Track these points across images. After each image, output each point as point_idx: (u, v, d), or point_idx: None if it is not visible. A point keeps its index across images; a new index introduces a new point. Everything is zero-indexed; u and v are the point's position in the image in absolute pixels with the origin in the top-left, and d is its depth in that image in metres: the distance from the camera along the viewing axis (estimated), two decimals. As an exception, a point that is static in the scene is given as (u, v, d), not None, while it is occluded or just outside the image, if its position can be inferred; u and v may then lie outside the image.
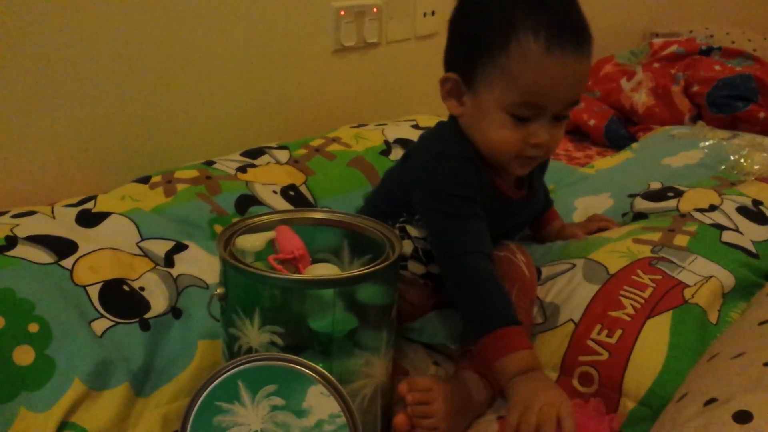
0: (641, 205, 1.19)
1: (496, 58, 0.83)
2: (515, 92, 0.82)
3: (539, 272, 0.99)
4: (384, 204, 1.01)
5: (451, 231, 0.86)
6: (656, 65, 2.04)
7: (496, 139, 0.86)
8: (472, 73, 0.86)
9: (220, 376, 0.69)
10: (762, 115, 1.79)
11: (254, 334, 0.72)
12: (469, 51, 0.86)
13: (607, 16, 2.28)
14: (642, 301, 0.89)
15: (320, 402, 0.68)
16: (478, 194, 0.88)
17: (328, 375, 0.68)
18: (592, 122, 1.95)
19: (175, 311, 0.89)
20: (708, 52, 2.05)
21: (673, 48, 2.06)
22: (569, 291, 0.93)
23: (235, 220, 0.88)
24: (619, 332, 0.86)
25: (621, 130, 1.92)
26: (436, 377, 0.84)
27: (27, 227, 0.94)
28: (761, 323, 0.73)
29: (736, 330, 0.79)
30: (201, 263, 0.97)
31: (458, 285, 0.84)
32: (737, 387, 0.60)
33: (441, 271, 0.92)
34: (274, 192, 1.18)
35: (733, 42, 2.31)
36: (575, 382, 0.85)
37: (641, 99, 1.95)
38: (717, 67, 1.90)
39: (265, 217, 0.83)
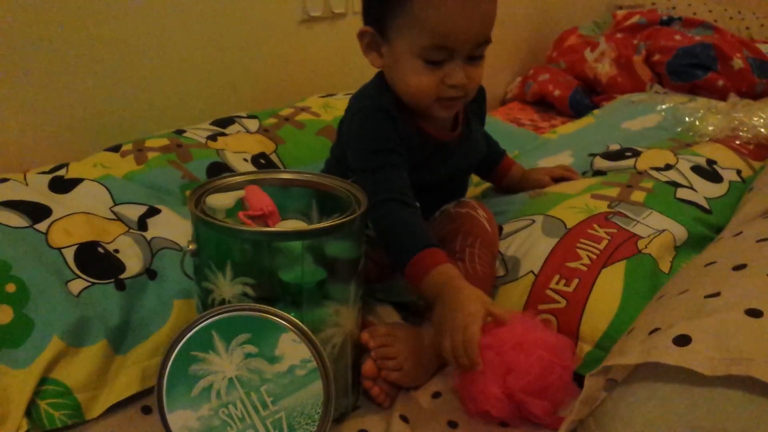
0: (600, 164, 1.23)
1: (403, 6, 0.86)
2: (424, 37, 0.85)
3: (500, 229, 1.03)
4: (340, 164, 1.03)
5: (369, 184, 0.88)
6: (619, 35, 2.08)
7: (413, 85, 0.90)
8: (384, 24, 0.89)
9: (194, 327, 0.71)
10: (720, 83, 1.84)
11: (227, 286, 0.74)
12: (379, 2, 0.89)
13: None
14: (597, 252, 0.93)
15: (291, 348, 0.71)
16: (396, 145, 0.91)
17: (299, 323, 0.71)
18: (557, 92, 1.99)
19: (149, 272, 0.91)
20: (669, 22, 2.10)
21: (635, 19, 2.10)
22: (529, 245, 0.97)
23: (205, 180, 0.90)
24: (576, 281, 0.90)
25: (585, 100, 1.96)
26: (394, 323, 0.88)
27: (0, 193, 0.95)
28: (706, 265, 0.77)
29: (682, 273, 0.84)
30: (174, 227, 0.99)
31: (378, 231, 0.88)
32: (678, 317, 0.65)
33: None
34: (245, 160, 1.20)
35: (695, 13, 2.36)
36: (536, 329, 0.90)
37: (604, 69, 1.99)
38: (677, 37, 1.94)
39: (234, 177, 0.85)
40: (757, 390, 0.56)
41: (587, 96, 2.00)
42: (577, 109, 1.95)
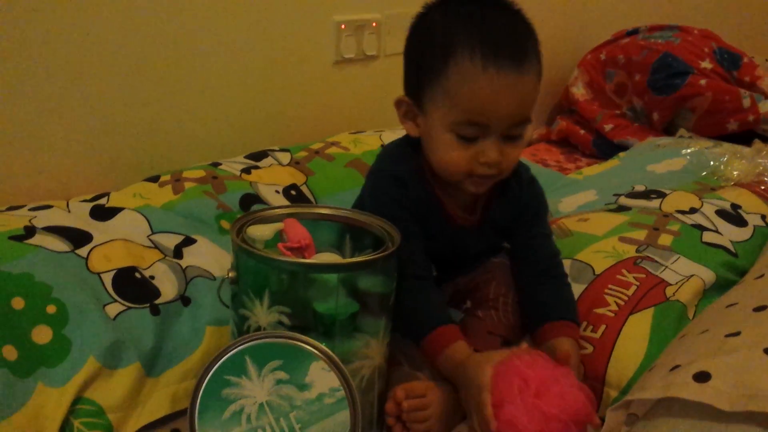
0: (625, 202, 1.24)
1: (438, 79, 0.84)
2: (456, 111, 0.84)
3: None
4: None
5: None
6: (588, 57, 2.11)
7: (445, 159, 0.88)
8: (421, 95, 0.87)
9: (229, 352, 0.74)
10: (703, 81, 1.83)
11: (263, 313, 0.77)
12: (417, 74, 0.88)
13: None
14: (626, 298, 0.94)
15: (321, 376, 0.73)
16: (405, 213, 0.90)
17: (329, 351, 0.73)
18: (582, 132, 2.01)
19: (183, 299, 0.94)
20: (634, 32, 2.10)
21: None
22: (558, 291, 0.98)
23: (246, 212, 0.92)
24: (602, 327, 0.91)
25: (608, 141, 1.98)
26: (430, 383, 0.87)
27: (44, 219, 0.99)
28: (728, 306, 0.78)
29: (705, 314, 0.85)
30: (208, 256, 1.02)
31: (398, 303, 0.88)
32: (698, 354, 0.66)
33: None
34: (277, 192, 1.23)
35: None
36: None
37: (579, 91, 2.03)
38: (642, 46, 1.96)
39: (274, 210, 0.89)
40: (774, 426, 0.57)
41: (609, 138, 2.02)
42: (602, 150, 1.96)
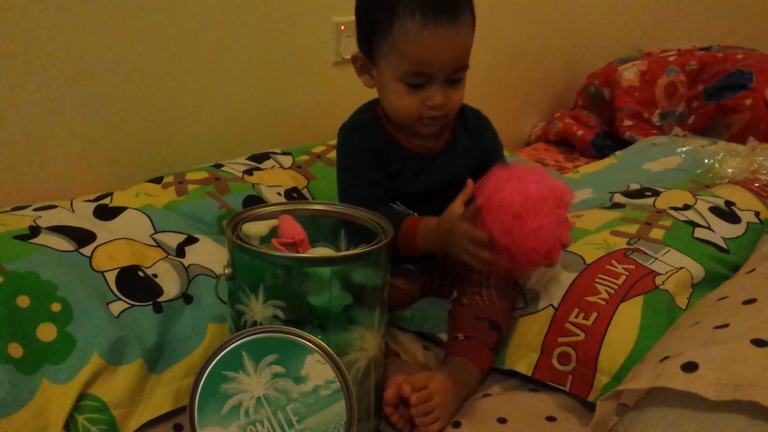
0: (620, 200, 1.26)
1: (385, 37, 0.94)
2: (404, 64, 0.94)
3: None
4: None
5: (349, 200, 0.97)
6: (659, 53, 2.11)
7: (397, 106, 0.98)
8: (372, 50, 0.98)
9: (226, 348, 0.76)
10: (749, 101, 1.80)
11: (259, 308, 0.79)
12: (366, 31, 0.98)
13: (600, 32, 2.37)
14: (616, 287, 0.96)
15: (317, 369, 0.75)
16: (368, 159, 1.01)
17: (323, 344, 0.75)
18: (579, 132, 2.02)
19: (186, 297, 0.96)
20: (707, 49, 2.10)
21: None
22: (548, 279, 1.00)
23: (242, 209, 0.95)
24: (594, 315, 0.93)
25: (607, 141, 1.98)
26: (430, 372, 0.91)
27: (49, 219, 1.01)
28: (719, 299, 0.80)
29: (696, 307, 0.86)
30: (210, 255, 1.04)
31: None
32: (687, 346, 0.67)
33: None
34: (279, 194, 1.25)
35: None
36: (554, 362, 0.92)
37: (629, 76, 2.02)
38: (720, 59, 1.95)
39: (269, 207, 0.91)
40: (761, 415, 0.58)
41: (609, 138, 2.02)
42: (599, 150, 1.97)
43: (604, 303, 0.93)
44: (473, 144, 1.07)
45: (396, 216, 0.95)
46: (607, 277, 0.97)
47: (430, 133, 1.02)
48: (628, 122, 1.97)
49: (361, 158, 1.02)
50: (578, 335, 0.92)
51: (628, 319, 0.91)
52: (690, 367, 0.63)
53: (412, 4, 0.92)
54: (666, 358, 0.68)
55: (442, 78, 0.95)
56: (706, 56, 2.01)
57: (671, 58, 2.06)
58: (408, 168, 1.03)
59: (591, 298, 0.94)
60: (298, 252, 0.83)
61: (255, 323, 0.79)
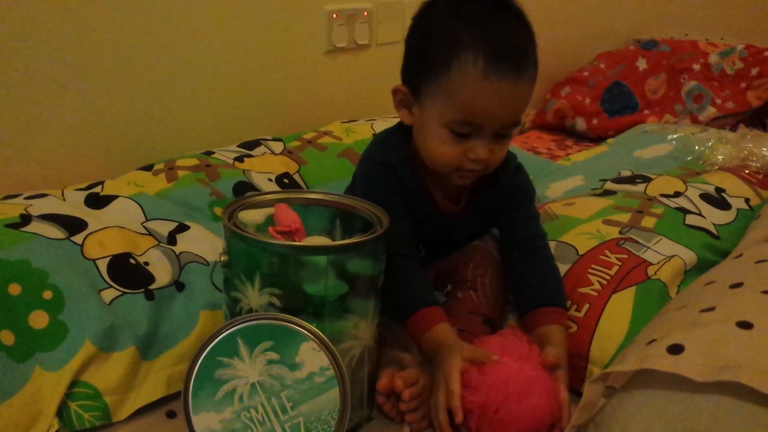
0: (611, 187, 1.26)
1: (438, 77, 0.86)
2: (454, 110, 0.86)
3: None
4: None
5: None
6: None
7: (436, 152, 0.90)
8: (418, 87, 0.90)
9: (221, 334, 0.76)
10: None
11: (255, 296, 0.79)
12: (417, 66, 0.90)
13: (590, 21, 2.37)
14: (608, 277, 0.96)
15: (311, 356, 0.75)
16: (396, 198, 0.94)
17: (318, 332, 0.75)
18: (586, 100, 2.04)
19: (178, 284, 0.96)
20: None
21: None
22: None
23: (238, 197, 0.94)
24: (586, 306, 0.93)
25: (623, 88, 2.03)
26: (420, 369, 0.89)
27: (40, 207, 1.01)
28: (706, 284, 0.81)
29: (684, 292, 0.87)
30: (202, 242, 1.04)
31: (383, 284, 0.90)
32: (674, 329, 0.68)
33: None
34: (270, 180, 1.25)
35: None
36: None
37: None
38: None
39: (265, 195, 0.90)
40: (746, 396, 0.59)
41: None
42: (610, 112, 1.99)
43: (596, 294, 0.94)
44: (498, 200, 1.00)
45: (419, 295, 0.91)
46: (600, 268, 0.98)
47: (463, 185, 0.96)
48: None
49: (391, 197, 0.93)
50: (570, 327, 0.92)
51: (619, 310, 0.92)
52: (676, 349, 0.64)
53: (476, 48, 0.83)
54: (653, 341, 0.69)
55: (492, 132, 0.87)
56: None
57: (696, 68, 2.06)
58: (430, 222, 0.99)
59: (583, 290, 0.95)
60: (293, 240, 0.83)
61: (251, 310, 0.79)
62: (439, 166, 0.92)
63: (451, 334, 0.87)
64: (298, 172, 1.30)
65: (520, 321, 0.97)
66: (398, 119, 0.96)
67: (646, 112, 2.03)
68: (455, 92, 0.85)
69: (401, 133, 0.97)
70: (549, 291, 0.95)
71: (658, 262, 1.00)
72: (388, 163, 0.95)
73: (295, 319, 0.76)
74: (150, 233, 1.03)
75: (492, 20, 0.85)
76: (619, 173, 1.33)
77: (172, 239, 1.03)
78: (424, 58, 0.88)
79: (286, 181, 1.26)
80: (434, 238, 1.02)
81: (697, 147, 1.35)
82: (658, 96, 2.05)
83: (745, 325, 0.64)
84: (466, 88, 0.84)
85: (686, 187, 1.21)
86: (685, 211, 1.13)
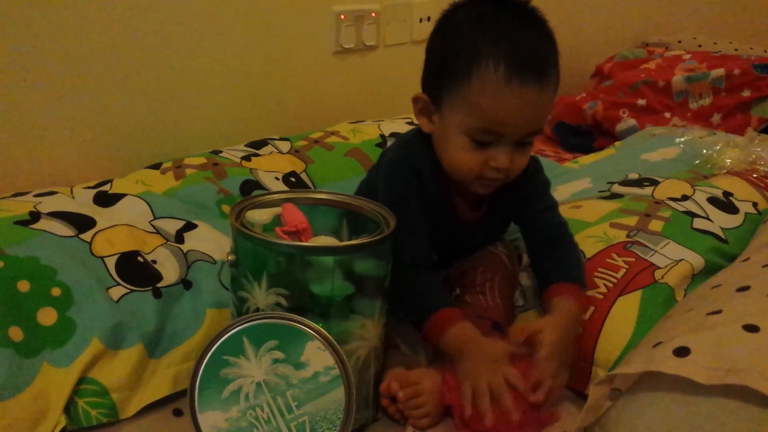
0: (618, 190, 1.26)
1: (459, 85, 0.85)
2: (475, 118, 0.85)
3: (520, 258, 1.07)
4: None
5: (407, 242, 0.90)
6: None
7: (457, 160, 0.90)
8: (439, 95, 0.89)
9: (227, 333, 0.76)
10: None
11: (261, 295, 0.79)
12: (437, 74, 0.89)
13: (598, 24, 2.37)
14: (615, 280, 0.96)
15: (317, 355, 0.75)
16: (416, 204, 0.93)
17: (323, 331, 0.75)
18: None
19: (185, 283, 0.96)
20: None
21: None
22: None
23: (245, 197, 0.95)
24: (591, 309, 0.93)
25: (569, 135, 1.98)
26: (424, 369, 0.89)
27: (49, 205, 1.02)
28: (713, 287, 0.80)
29: (691, 295, 0.87)
30: (209, 241, 1.04)
31: (398, 293, 0.90)
32: (680, 331, 0.68)
33: None
34: (276, 179, 1.26)
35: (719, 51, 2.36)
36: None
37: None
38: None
39: (272, 195, 0.91)
40: (752, 399, 0.59)
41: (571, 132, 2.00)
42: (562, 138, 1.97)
43: (601, 297, 0.94)
44: (515, 202, 1.00)
45: (437, 297, 0.91)
46: (606, 271, 0.97)
47: (484, 193, 0.95)
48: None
49: (413, 201, 0.93)
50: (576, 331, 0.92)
51: (625, 313, 0.92)
52: (682, 351, 0.64)
53: (497, 55, 0.82)
54: (659, 343, 0.69)
55: (513, 140, 0.86)
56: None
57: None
58: (448, 228, 0.98)
59: (589, 293, 0.95)
60: (300, 241, 0.83)
61: (257, 310, 0.79)
62: (460, 174, 0.91)
63: (476, 332, 0.86)
64: (305, 171, 1.30)
65: (540, 296, 0.97)
66: (406, 120, 0.96)
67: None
68: (476, 100, 0.84)
69: (422, 138, 0.96)
70: (565, 269, 0.96)
71: (666, 266, 0.99)
72: (418, 169, 0.94)
73: (299, 318, 0.76)
74: (158, 231, 1.04)
75: (514, 29, 0.85)
76: (627, 176, 1.32)
77: (179, 237, 1.04)
78: (445, 66, 0.88)
79: (293, 179, 1.27)
80: (450, 244, 1.01)
81: (705, 150, 1.34)
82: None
83: (751, 329, 0.64)
84: (486, 95, 0.83)
85: (694, 190, 1.20)
86: (692, 215, 1.12)
